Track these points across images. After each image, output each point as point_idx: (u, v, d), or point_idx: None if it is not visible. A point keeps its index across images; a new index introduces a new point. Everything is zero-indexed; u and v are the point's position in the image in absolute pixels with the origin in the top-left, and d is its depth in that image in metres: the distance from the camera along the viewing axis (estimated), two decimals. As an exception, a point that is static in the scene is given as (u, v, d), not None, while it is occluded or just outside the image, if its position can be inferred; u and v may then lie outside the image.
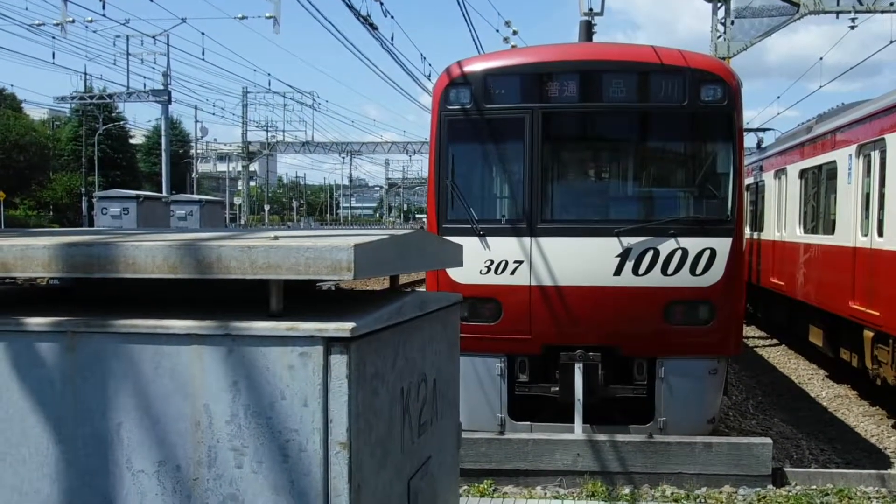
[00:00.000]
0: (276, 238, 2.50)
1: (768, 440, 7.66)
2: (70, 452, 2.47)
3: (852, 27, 23.35)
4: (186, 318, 2.40)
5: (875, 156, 11.29)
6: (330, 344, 2.30)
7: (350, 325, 2.30)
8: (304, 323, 2.32)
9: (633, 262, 7.92)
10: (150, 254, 2.40)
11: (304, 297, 2.95)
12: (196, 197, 55.60)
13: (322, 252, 2.32)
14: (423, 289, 14.07)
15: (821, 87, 28.93)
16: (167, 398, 2.41)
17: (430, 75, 24.55)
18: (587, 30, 11.06)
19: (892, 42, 22.59)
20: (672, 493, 7.23)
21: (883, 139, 10.85)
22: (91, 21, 39.31)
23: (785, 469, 7.67)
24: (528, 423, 8.30)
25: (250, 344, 2.33)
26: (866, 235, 11.43)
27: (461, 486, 7.27)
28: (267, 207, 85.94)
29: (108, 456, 2.46)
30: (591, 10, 12.77)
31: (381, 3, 14.59)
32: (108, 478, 2.46)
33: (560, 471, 7.50)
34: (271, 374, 2.33)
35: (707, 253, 7.91)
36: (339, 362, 2.30)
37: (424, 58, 36.20)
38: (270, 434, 2.34)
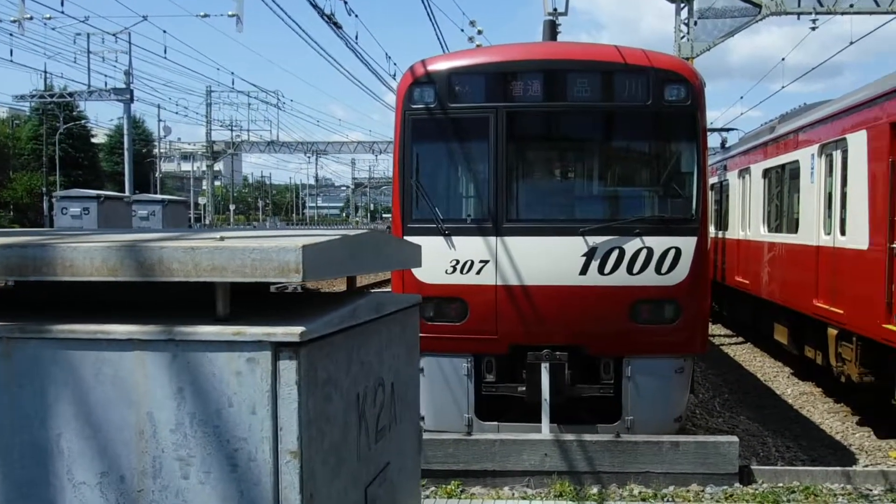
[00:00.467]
0: (221, 239, 2.40)
1: (735, 438, 7.68)
2: (6, 464, 2.37)
3: (813, 28, 23.64)
4: (128, 323, 2.30)
5: (837, 155, 11.41)
6: (278, 349, 2.21)
7: (299, 329, 2.21)
8: (251, 327, 2.23)
9: (598, 261, 7.90)
10: (87, 255, 2.29)
11: (256, 300, 2.85)
12: (158, 197, 54.72)
13: (269, 253, 2.23)
14: (389, 289, 13.98)
15: (783, 87, 29.25)
16: (109, 406, 2.30)
17: (395, 74, 24.42)
18: (551, 29, 11.05)
19: (851, 43, 22.90)
20: (640, 493, 7.22)
21: (845, 139, 10.96)
22: (49, 18, 38.42)
23: (752, 467, 7.68)
24: (496, 423, 8.25)
25: (195, 349, 2.24)
26: (829, 234, 11.55)
27: (428, 488, 7.20)
28: (232, 207, 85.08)
29: (47, 467, 2.35)
30: (555, 9, 12.81)
31: (345, 2, 14.50)
32: (48, 489, 2.36)
33: (528, 471, 7.46)
34: (218, 380, 2.24)
35: (672, 252, 7.92)
36: (289, 368, 2.21)
37: (389, 57, 36.18)
38: (218, 443, 2.25)
